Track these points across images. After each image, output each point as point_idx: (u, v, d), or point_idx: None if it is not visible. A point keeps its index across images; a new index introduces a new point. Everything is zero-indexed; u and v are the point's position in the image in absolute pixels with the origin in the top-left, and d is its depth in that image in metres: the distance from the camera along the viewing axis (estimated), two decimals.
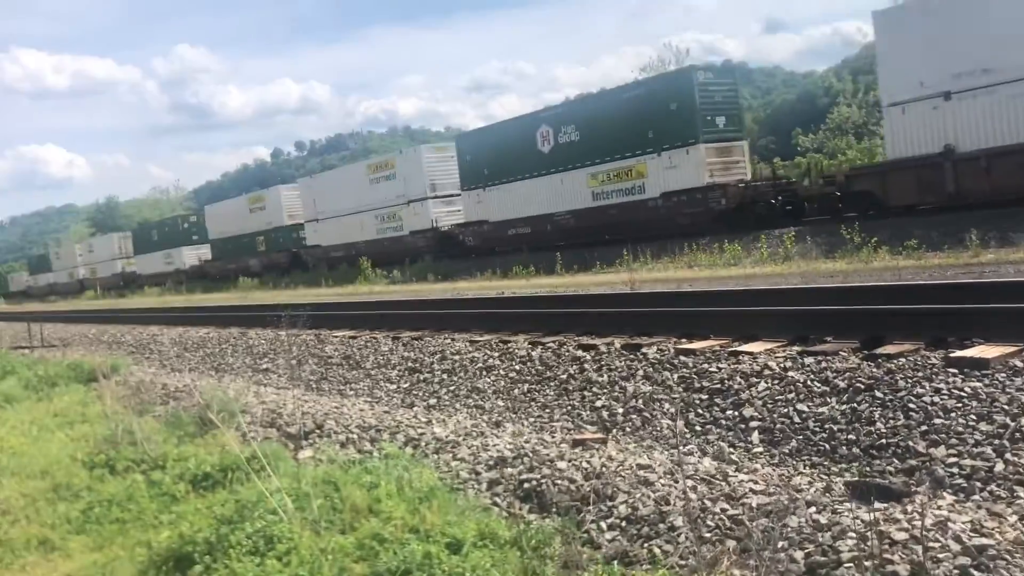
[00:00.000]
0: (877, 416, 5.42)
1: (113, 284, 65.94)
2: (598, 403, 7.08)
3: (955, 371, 5.59)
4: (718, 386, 6.53)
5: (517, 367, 8.43)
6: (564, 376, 7.81)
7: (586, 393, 7.35)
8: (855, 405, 5.63)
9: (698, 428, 6.18)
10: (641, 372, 7.30)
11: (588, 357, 7.99)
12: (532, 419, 7.22)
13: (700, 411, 6.36)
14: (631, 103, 26.84)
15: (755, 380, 6.40)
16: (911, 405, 5.38)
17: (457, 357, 9.35)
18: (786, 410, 5.90)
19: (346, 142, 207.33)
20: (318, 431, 7.66)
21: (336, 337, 12.22)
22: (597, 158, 27.70)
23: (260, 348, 13.38)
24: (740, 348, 7.11)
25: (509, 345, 9.14)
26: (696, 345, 7.47)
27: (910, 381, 5.64)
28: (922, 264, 15.19)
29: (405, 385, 9.23)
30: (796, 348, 6.83)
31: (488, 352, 9.12)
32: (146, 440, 7.38)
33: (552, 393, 7.62)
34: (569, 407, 7.24)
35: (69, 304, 54.53)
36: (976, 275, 11.69)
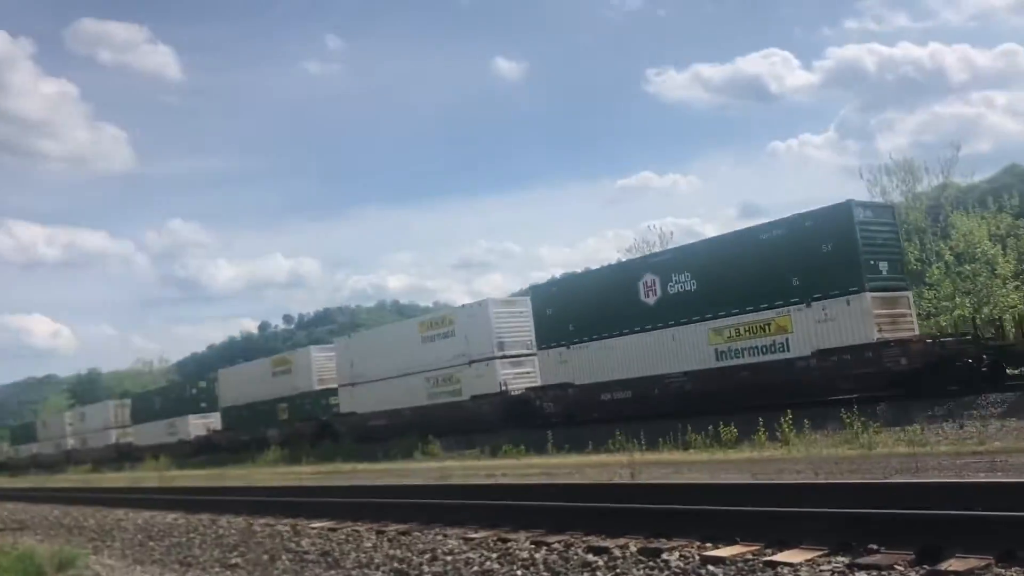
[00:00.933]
0: None
1: (106, 456, 60.48)
2: None
3: None
4: None
5: (519, 572, 7.44)
6: None
7: None
8: None
9: None
10: None
11: (600, 563, 7.05)
12: None
13: None
14: (767, 246, 22.75)
15: None
16: None
17: (450, 558, 8.35)
18: None
19: (334, 315, 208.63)
20: None
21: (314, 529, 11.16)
22: (721, 310, 23.84)
23: (230, 539, 12.23)
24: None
25: (509, 544, 8.16)
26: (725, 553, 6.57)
27: None
28: (927, 451, 14.40)
29: None
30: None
31: (485, 552, 8.13)
32: None
33: None
34: None
35: (32, 480, 51.27)
36: None
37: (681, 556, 6.77)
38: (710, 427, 20.63)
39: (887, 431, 17.32)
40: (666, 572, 6.53)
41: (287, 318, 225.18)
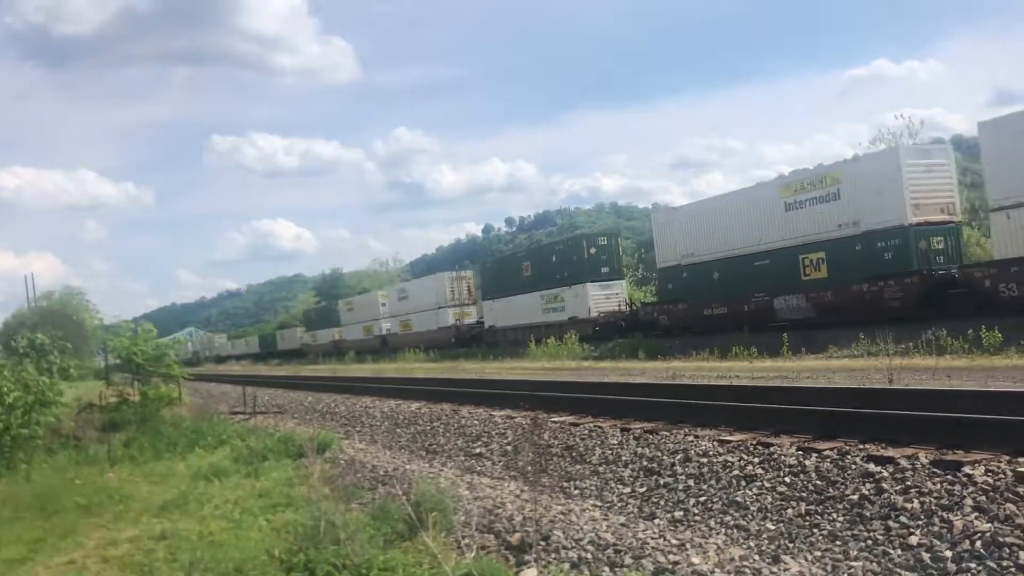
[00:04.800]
0: None
1: (442, 342, 47.84)
2: (912, 540, 5.35)
3: None
4: None
5: (787, 479, 6.81)
6: (856, 497, 6.12)
7: (891, 523, 5.63)
8: None
9: None
10: (970, 501, 5.52)
11: (885, 474, 6.28)
12: (818, 553, 5.58)
13: None
14: None
15: None
16: None
17: (705, 460, 7.84)
18: None
19: (553, 218, 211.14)
20: (543, 543, 6.40)
21: (554, 423, 11.02)
22: None
23: (472, 430, 12.40)
24: None
25: (772, 450, 7.53)
26: None
27: None
28: None
29: (641, 489, 7.80)
30: None
31: (745, 457, 7.55)
32: (350, 540, 6.39)
33: (841, 520, 5.95)
34: (870, 541, 5.54)
35: (294, 369, 55.82)
36: None
37: (988, 470, 5.86)
38: (969, 331, 18.77)
39: None
40: (971, 488, 5.67)
41: (509, 221, 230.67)
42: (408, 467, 10.64)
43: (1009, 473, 5.72)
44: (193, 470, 11.15)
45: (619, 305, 36.30)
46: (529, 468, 9.38)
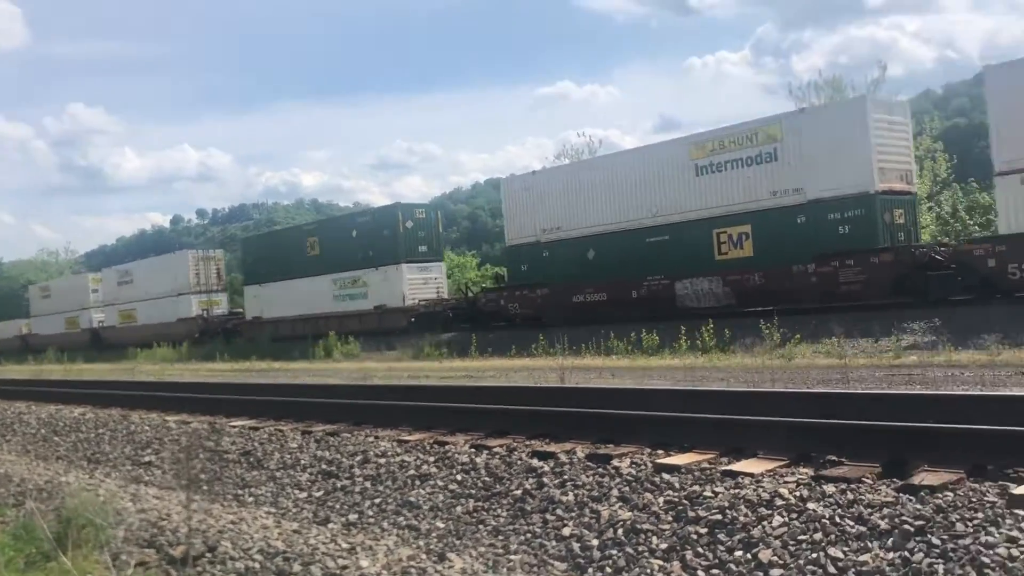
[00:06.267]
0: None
1: (181, 337, 41.02)
2: (565, 531, 5.75)
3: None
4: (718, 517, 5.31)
5: (459, 477, 7.04)
6: (519, 492, 6.47)
7: (548, 516, 6.02)
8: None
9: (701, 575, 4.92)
10: (616, 492, 6.03)
11: (547, 468, 6.70)
12: (483, 549, 5.83)
13: (700, 549, 5.11)
14: None
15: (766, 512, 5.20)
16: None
17: (383, 460, 7.90)
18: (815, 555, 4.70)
19: (249, 212, 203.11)
20: (209, 555, 6.10)
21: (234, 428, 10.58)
22: None
23: (143, 436, 11.56)
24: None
25: (447, 448, 7.75)
26: (679, 460, 6.27)
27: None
28: (848, 363, 14.43)
29: (318, 493, 7.70)
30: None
31: (421, 456, 7.71)
32: None
33: (505, 515, 6.26)
34: (529, 534, 5.88)
35: None
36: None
37: (632, 463, 6.46)
38: (632, 334, 20.55)
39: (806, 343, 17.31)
40: (617, 479, 6.21)
41: (201, 212, 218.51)
42: (64, 479, 9.68)
43: (650, 464, 6.33)
44: None
45: (438, 291, 31.91)
46: (202, 476, 8.93)
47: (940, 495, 4.89)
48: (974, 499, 4.79)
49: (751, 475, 5.70)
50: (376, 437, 8.76)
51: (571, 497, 6.15)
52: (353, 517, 6.90)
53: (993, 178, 18.63)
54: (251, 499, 7.95)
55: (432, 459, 7.57)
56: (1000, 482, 5.04)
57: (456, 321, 29.37)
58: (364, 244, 32.58)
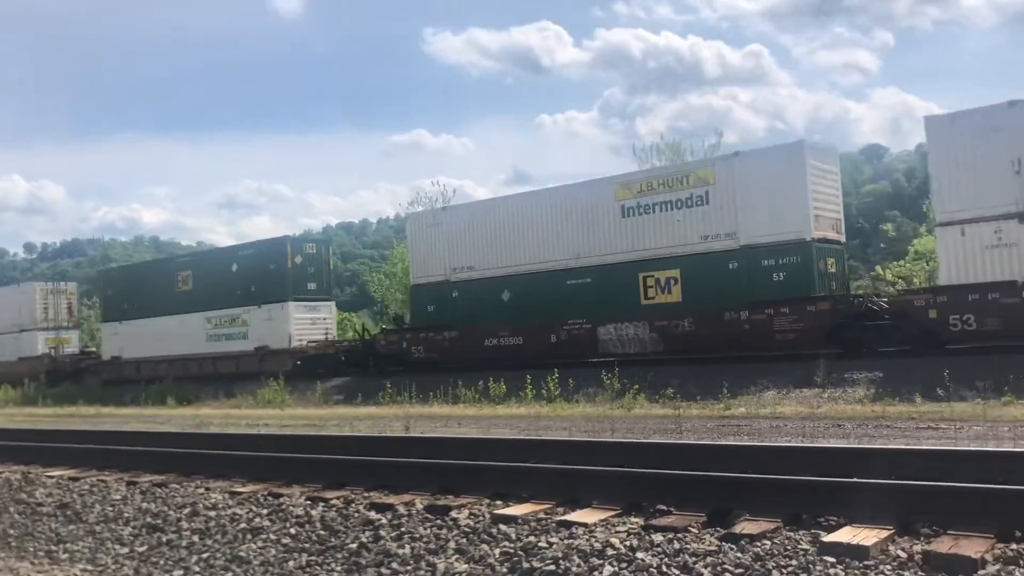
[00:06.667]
0: None
1: (22, 377, 36.35)
2: None
3: (832, 560, 4.80)
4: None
5: (292, 531, 6.82)
6: (355, 545, 6.33)
7: (384, 570, 5.91)
8: None
9: None
10: (453, 544, 6.00)
11: (384, 521, 6.59)
12: None
13: None
14: None
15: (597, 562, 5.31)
16: None
17: (213, 513, 7.56)
18: None
19: (84, 247, 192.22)
20: None
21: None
22: None
23: None
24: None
25: (281, 500, 7.51)
26: (517, 511, 6.32)
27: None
28: (682, 414, 15.04)
29: (141, 548, 7.27)
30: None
31: (254, 509, 7.43)
32: None
33: (339, 569, 6.10)
34: None
35: None
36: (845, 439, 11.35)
37: (471, 514, 6.46)
38: (480, 383, 20.65)
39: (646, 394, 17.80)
40: (455, 531, 6.18)
41: (28, 247, 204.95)
42: None
43: (488, 515, 6.35)
44: None
45: (326, 333, 29.99)
46: (11, 531, 8.26)
47: (759, 543, 5.13)
48: (789, 547, 5.06)
49: (584, 525, 5.82)
50: (207, 488, 8.39)
51: (408, 550, 6.07)
52: (178, 574, 6.55)
53: (934, 228, 19.02)
54: (65, 555, 7.42)
55: (265, 512, 7.31)
56: (812, 530, 5.36)
57: (350, 365, 27.71)
58: (246, 279, 30.38)
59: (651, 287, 21.45)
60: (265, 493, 7.80)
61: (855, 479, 5.76)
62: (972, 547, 4.69)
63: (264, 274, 29.84)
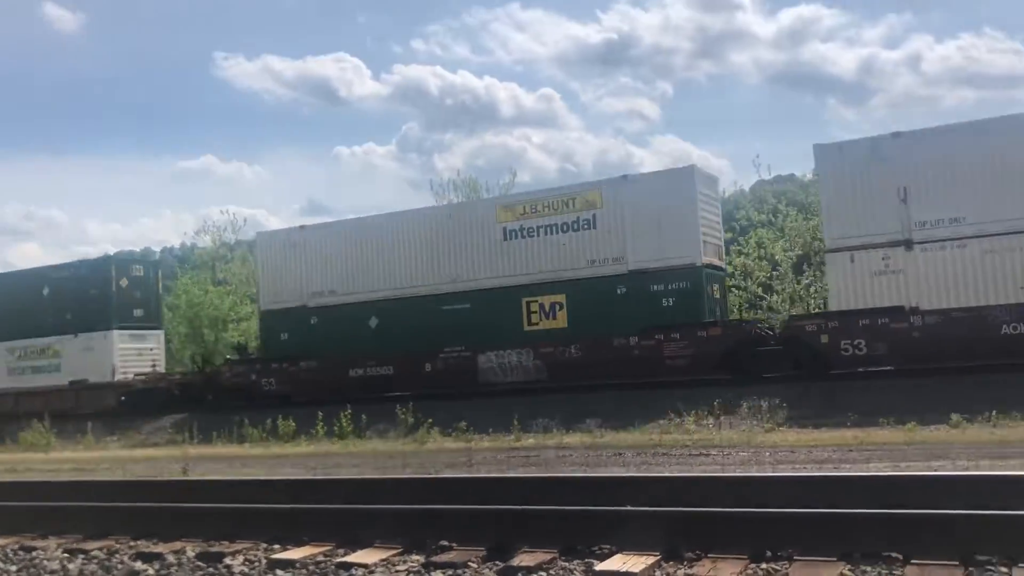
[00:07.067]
0: None
1: None
2: None
3: None
4: None
5: None
6: None
7: None
8: None
9: None
10: None
11: (151, 572, 6.17)
12: None
13: None
14: None
15: None
16: None
17: None
18: None
19: None
20: None
21: None
22: None
23: None
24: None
25: (34, 555, 6.86)
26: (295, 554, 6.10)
27: None
28: (474, 446, 15.28)
29: None
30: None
31: (1, 565, 6.75)
32: None
33: None
34: None
35: None
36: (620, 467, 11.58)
37: (246, 560, 6.15)
38: (268, 421, 19.95)
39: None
40: None
41: None
42: None
43: (264, 560, 6.08)
44: None
45: (154, 364, 27.05)
46: None
47: (535, 575, 5.23)
48: None
49: (364, 566, 5.68)
50: None
51: None
52: None
53: (824, 255, 19.36)
54: None
55: (15, 568, 6.65)
56: (587, 559, 5.51)
57: (185, 400, 24.78)
58: (59, 305, 27.06)
59: (535, 312, 20.82)
60: (16, 547, 7.09)
61: (627, 507, 5.99)
62: (728, 569, 4.84)
63: (83, 299, 26.75)
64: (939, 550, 4.66)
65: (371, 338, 22.33)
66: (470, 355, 21.11)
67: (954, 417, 13.36)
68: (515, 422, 16.11)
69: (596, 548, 5.54)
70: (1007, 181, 17.13)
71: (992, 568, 4.46)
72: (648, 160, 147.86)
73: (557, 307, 20.58)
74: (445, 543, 5.85)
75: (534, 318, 20.80)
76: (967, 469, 8.48)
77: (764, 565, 4.96)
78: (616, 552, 5.41)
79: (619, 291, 19.93)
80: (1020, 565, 4.46)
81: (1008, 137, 17.54)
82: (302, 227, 24.74)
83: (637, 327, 19.38)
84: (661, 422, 15.68)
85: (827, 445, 11.93)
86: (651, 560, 5.18)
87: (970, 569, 4.48)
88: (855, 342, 17.54)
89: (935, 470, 8.37)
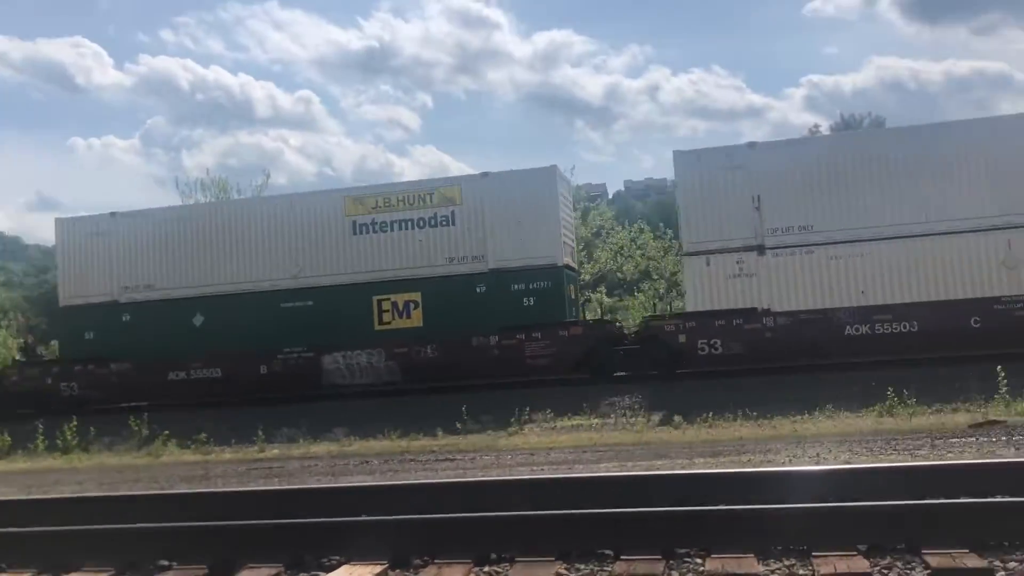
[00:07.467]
0: None
1: None
2: None
3: None
4: None
5: None
6: None
7: None
8: None
9: None
10: None
11: None
12: None
13: None
14: None
15: None
16: None
17: None
18: None
19: None
20: None
21: None
22: None
23: None
24: None
25: None
26: None
27: None
28: (213, 459, 14.11)
29: None
30: None
31: None
32: None
33: None
34: None
35: None
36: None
37: None
38: None
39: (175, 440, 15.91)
40: None
41: None
42: None
43: None
44: None
45: None
46: None
47: None
48: None
49: None
50: None
51: None
52: None
53: (681, 258, 19.73)
54: None
55: None
56: (314, 571, 5.00)
57: None
58: None
59: (387, 311, 19.77)
60: None
61: (358, 517, 5.53)
62: (452, 573, 4.70)
63: None
64: (644, 545, 4.72)
65: (196, 337, 20.45)
66: (313, 356, 19.83)
67: (676, 419, 13.98)
68: (259, 432, 15.13)
69: (325, 560, 5.06)
70: (850, 193, 18.05)
71: (689, 560, 4.62)
72: (408, 169, 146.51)
73: (412, 305, 19.74)
74: (164, 563, 5.20)
75: (386, 317, 19.85)
76: (683, 468, 8.79)
77: (487, 568, 4.84)
78: (343, 563, 4.94)
79: (479, 290, 19.43)
80: (713, 555, 4.59)
81: (850, 153, 18.51)
82: (112, 213, 22.37)
83: (497, 326, 18.99)
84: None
85: (565, 447, 12.13)
86: (378, 569, 4.94)
87: (670, 561, 4.62)
88: (712, 342, 17.98)
89: (656, 469, 8.68)
